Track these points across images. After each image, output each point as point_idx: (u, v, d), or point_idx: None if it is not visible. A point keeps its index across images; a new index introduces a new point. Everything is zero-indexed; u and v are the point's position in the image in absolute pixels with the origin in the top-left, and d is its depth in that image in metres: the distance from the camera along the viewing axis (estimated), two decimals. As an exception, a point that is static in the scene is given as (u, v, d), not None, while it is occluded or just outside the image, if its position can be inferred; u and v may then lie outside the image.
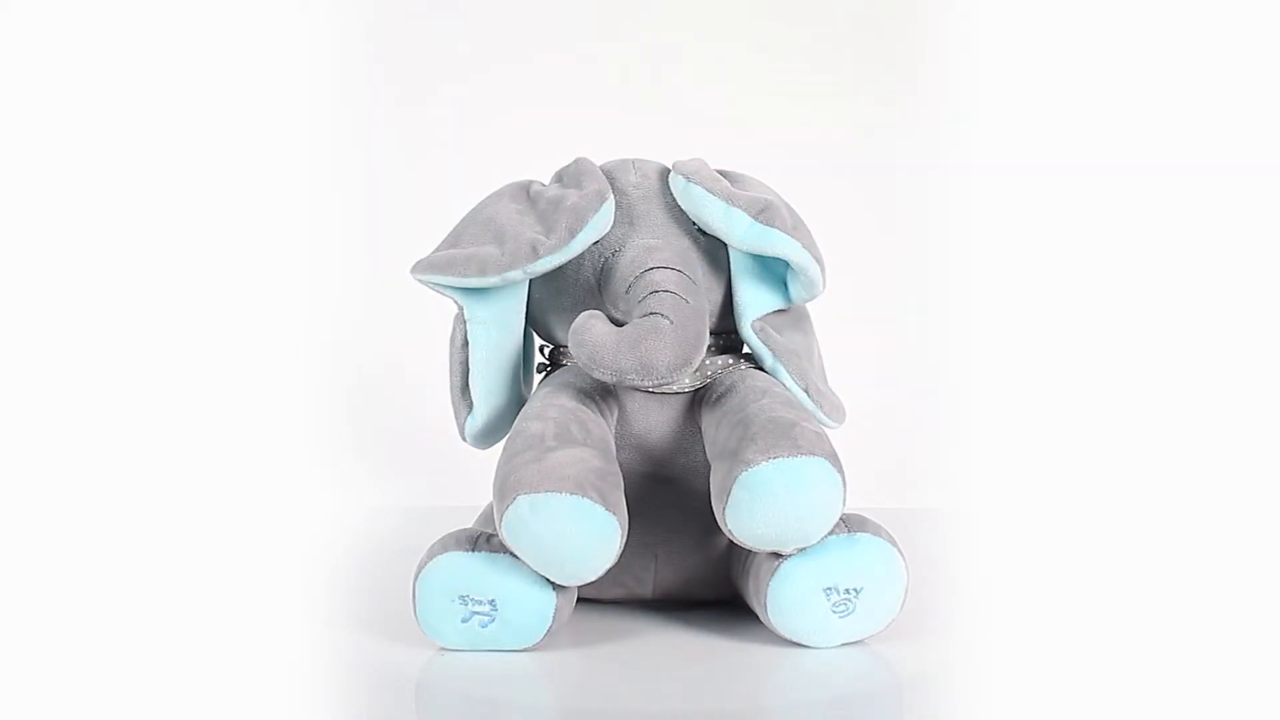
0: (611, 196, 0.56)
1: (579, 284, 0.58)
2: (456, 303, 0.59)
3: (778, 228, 0.55)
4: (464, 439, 0.61)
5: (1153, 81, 1.02)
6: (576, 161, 0.60)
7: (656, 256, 0.54)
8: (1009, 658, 0.53)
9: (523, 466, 0.49)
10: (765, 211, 0.55)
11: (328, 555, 0.81)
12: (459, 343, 0.59)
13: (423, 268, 0.57)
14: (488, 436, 0.61)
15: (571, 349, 0.52)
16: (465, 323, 0.59)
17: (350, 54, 1.07)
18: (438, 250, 0.58)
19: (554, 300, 0.59)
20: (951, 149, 1.07)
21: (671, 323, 0.51)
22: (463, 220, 0.60)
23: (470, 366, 0.59)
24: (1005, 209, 1.05)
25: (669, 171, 0.60)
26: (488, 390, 0.59)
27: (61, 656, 0.53)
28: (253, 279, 1.04)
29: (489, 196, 0.61)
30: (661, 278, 0.53)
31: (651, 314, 0.51)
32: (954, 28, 1.07)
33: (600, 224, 0.55)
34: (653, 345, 0.51)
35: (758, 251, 0.56)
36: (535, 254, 0.55)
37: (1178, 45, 1.01)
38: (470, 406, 0.60)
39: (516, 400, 0.61)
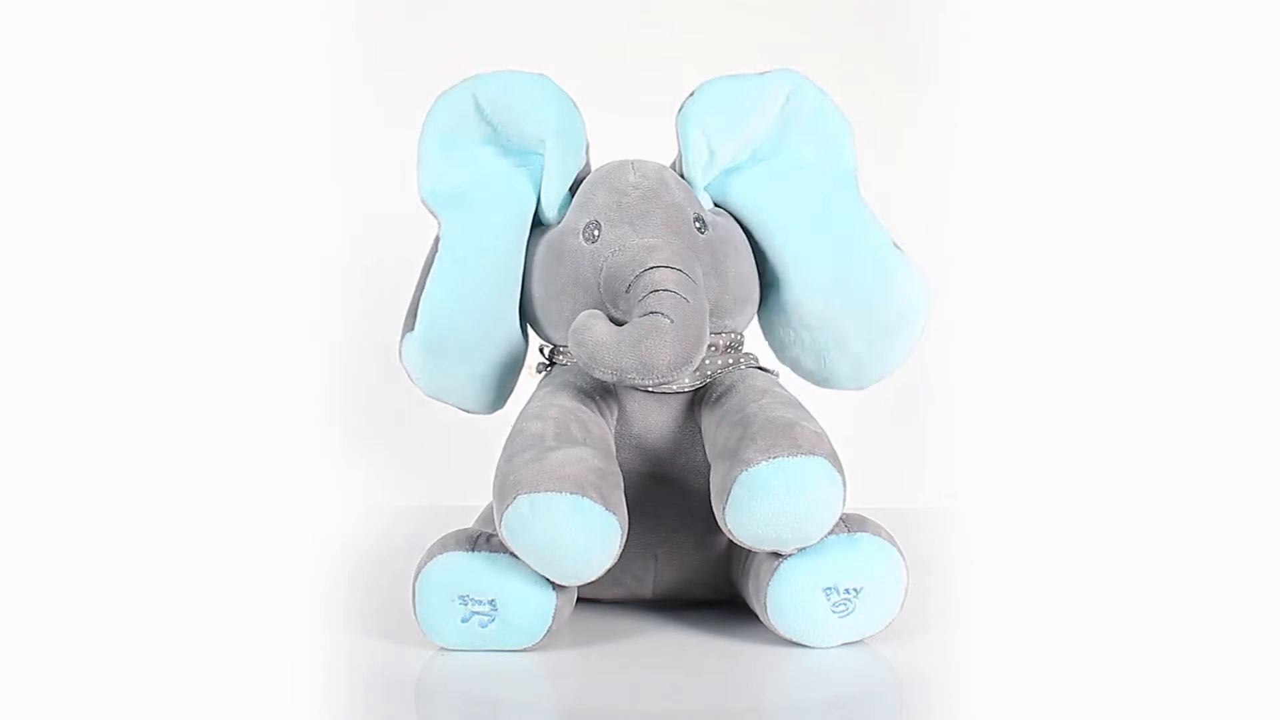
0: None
1: (578, 283, 0.57)
2: (436, 218, 0.60)
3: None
4: (400, 360, 0.61)
5: (1153, 83, 1.02)
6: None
7: (656, 256, 0.54)
8: (1009, 658, 0.53)
9: (522, 466, 0.49)
10: None
11: (328, 555, 0.81)
12: (426, 266, 0.60)
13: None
14: (426, 360, 0.60)
15: (571, 348, 0.52)
16: (439, 241, 0.60)
17: (350, 54, 1.07)
18: None
19: (553, 300, 0.59)
20: (952, 149, 1.07)
21: (672, 322, 0.51)
22: None
23: (430, 273, 0.59)
24: (1006, 209, 1.05)
25: (669, 171, 0.60)
26: (438, 300, 0.59)
27: (61, 657, 0.53)
28: (252, 278, 1.04)
29: None
30: (661, 277, 0.53)
31: (652, 313, 0.51)
32: (955, 28, 1.07)
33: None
34: (653, 344, 0.51)
35: (805, 107, 0.62)
36: None
37: (1178, 46, 1.01)
38: (414, 325, 0.60)
39: (473, 344, 0.60)
